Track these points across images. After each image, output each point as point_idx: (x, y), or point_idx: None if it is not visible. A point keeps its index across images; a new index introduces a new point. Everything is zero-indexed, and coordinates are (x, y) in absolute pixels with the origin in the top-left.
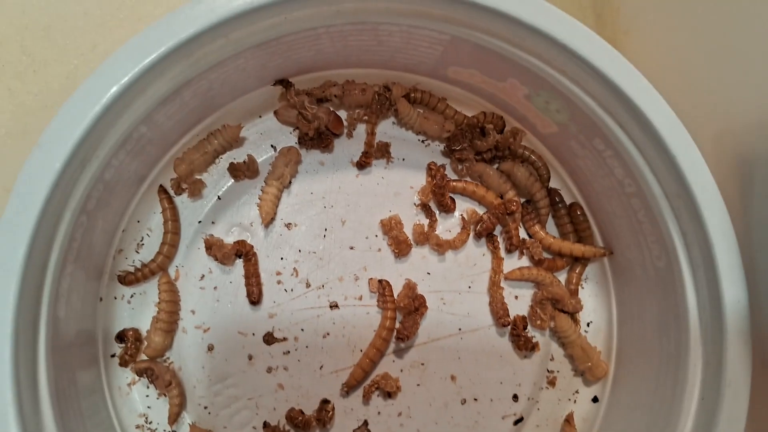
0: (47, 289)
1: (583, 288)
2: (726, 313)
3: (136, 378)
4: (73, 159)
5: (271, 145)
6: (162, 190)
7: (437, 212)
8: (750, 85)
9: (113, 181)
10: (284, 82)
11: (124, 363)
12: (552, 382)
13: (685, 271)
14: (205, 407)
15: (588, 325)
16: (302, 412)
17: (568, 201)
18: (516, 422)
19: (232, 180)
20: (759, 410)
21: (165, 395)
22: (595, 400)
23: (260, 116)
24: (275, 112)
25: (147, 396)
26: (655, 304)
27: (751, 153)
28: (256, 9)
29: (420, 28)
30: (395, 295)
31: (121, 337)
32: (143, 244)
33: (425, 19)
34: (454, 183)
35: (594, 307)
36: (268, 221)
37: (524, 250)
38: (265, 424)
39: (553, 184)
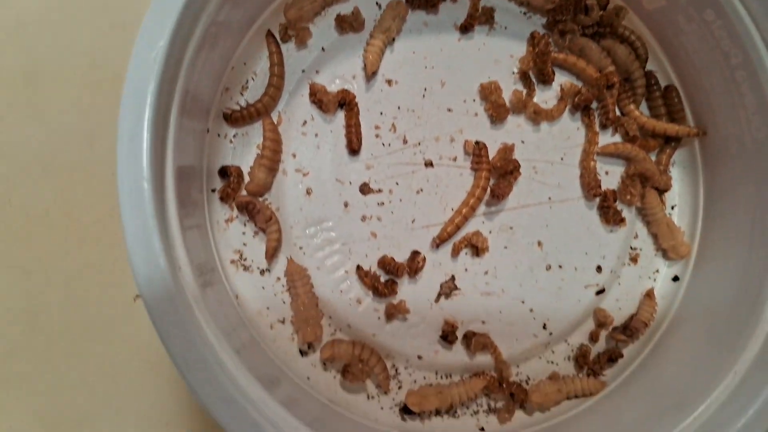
0: (174, 104)
1: (670, 171)
2: None
3: (234, 214)
4: None
5: (376, 3)
6: (270, 34)
7: (536, 82)
8: None
9: (238, 4)
10: None
11: (225, 197)
12: (634, 259)
13: None
14: (300, 247)
15: (672, 208)
16: (394, 260)
17: (663, 84)
18: (598, 293)
19: (337, 33)
20: None
21: (263, 232)
22: (675, 279)
23: None
24: None
25: (243, 233)
26: (751, 180)
27: None
28: None
29: None
30: (490, 158)
31: (224, 172)
32: (248, 87)
33: None
34: (556, 54)
35: (680, 191)
36: (373, 71)
37: (618, 128)
38: (359, 267)
39: (650, 66)
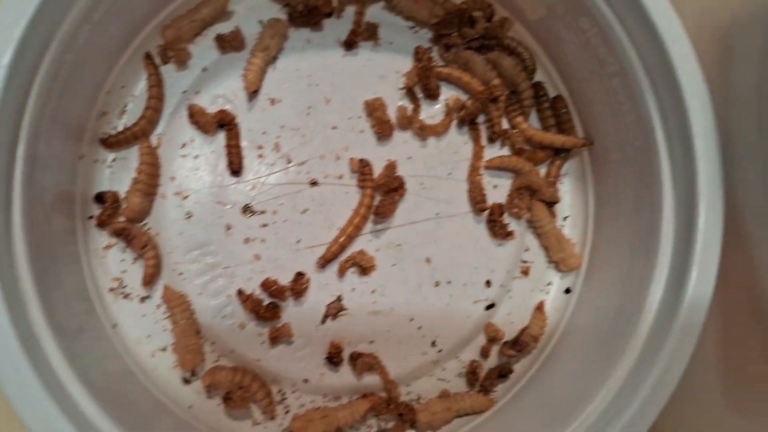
0: (24, 129)
1: (561, 183)
2: (699, 181)
3: (112, 241)
4: None
5: (258, 21)
6: (147, 56)
7: (422, 97)
8: None
9: (100, 28)
10: None
11: (101, 224)
12: (525, 272)
13: (661, 144)
14: (180, 273)
15: (565, 219)
16: (277, 282)
17: (552, 94)
18: (488, 307)
19: (218, 52)
20: (728, 276)
21: (141, 259)
22: (567, 291)
23: None
24: None
25: (122, 261)
26: (630, 187)
27: (730, 25)
28: None
29: None
30: (375, 175)
31: (99, 198)
32: (127, 110)
33: None
34: (440, 68)
35: (572, 202)
36: (253, 90)
37: (505, 141)
38: (240, 291)
39: (538, 77)
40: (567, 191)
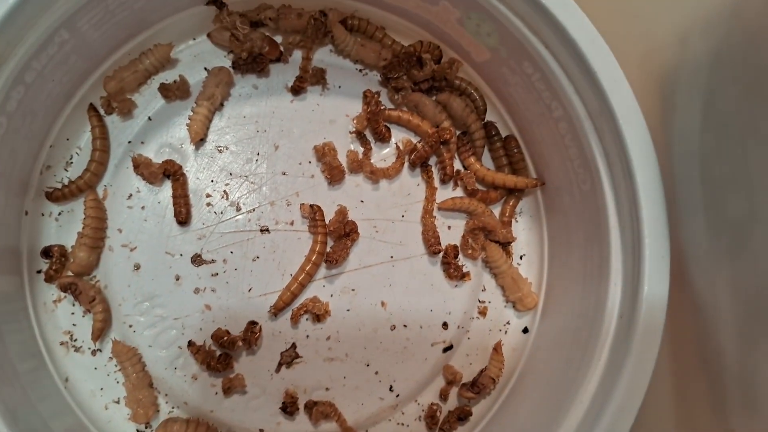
0: None
1: (517, 221)
2: (644, 229)
3: (62, 295)
4: None
5: (204, 68)
6: (91, 107)
7: (372, 141)
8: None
9: (36, 87)
10: (217, 2)
11: (49, 279)
12: (483, 312)
13: (608, 190)
14: (130, 326)
15: (521, 258)
16: (228, 332)
17: (503, 133)
18: (445, 350)
19: (164, 101)
20: (676, 325)
21: (90, 312)
22: (525, 331)
23: (194, 38)
24: (208, 34)
25: (72, 314)
26: (581, 228)
27: (673, 69)
28: None
29: None
30: (327, 221)
31: (46, 252)
32: (72, 163)
33: None
34: (390, 111)
35: (527, 240)
36: (197, 140)
37: (458, 181)
38: (190, 343)
39: (489, 116)
40: (522, 230)
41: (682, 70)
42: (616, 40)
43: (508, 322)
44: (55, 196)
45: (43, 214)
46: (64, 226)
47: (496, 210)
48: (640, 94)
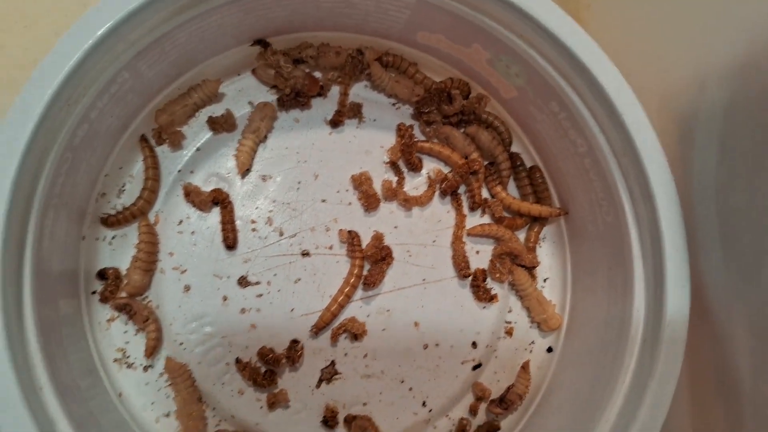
0: (32, 222)
1: (541, 247)
2: (666, 258)
3: (115, 314)
4: (61, 93)
5: (249, 102)
6: (143, 139)
7: (405, 171)
8: (689, 46)
9: (97, 123)
10: (262, 42)
11: (104, 299)
12: (509, 332)
13: (631, 222)
14: (181, 343)
15: (545, 281)
16: (272, 350)
17: (528, 164)
18: (474, 367)
19: (211, 133)
20: (695, 352)
21: (143, 331)
22: (549, 350)
23: (239, 74)
24: (253, 71)
25: (125, 332)
26: (604, 256)
27: (691, 111)
28: None
29: None
30: (363, 245)
31: (101, 274)
32: (125, 190)
33: None
34: (422, 143)
35: (551, 264)
36: (244, 171)
37: (486, 209)
38: (237, 360)
39: (514, 148)
40: (546, 255)
41: (700, 113)
42: (638, 81)
43: (533, 342)
44: (111, 221)
45: (97, 239)
46: (117, 250)
47: (522, 236)
48: (661, 133)
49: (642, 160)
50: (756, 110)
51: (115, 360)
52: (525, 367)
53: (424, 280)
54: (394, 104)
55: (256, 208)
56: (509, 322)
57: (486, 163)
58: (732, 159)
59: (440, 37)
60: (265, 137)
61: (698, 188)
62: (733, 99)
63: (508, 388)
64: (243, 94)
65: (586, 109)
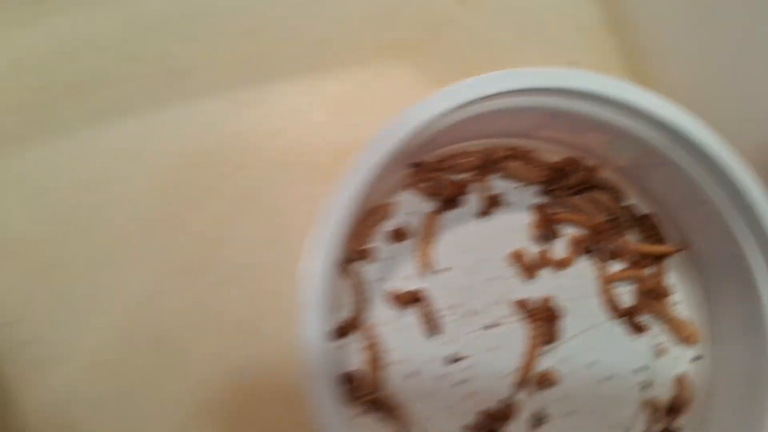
0: None
1: (669, 276)
2: None
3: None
4: None
5: (405, 213)
6: (342, 264)
7: (549, 240)
8: None
9: None
10: (417, 165)
11: (354, 399)
12: (662, 352)
13: (751, 261)
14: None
15: (675, 304)
16: (491, 411)
17: (642, 213)
18: (643, 387)
19: (392, 244)
20: None
21: (393, 418)
22: (698, 358)
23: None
24: (410, 186)
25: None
26: (730, 287)
27: None
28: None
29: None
30: (534, 308)
31: (348, 378)
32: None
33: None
34: (557, 215)
35: (680, 287)
36: (429, 270)
37: (618, 257)
38: (465, 427)
39: (629, 201)
40: (674, 283)
41: None
42: (735, 135)
43: (680, 357)
44: (342, 332)
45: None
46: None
47: (652, 271)
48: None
49: (759, 215)
50: None
51: None
52: (682, 379)
53: (590, 326)
54: (515, 187)
55: (447, 295)
56: (660, 344)
57: (609, 218)
58: None
59: (562, 132)
60: (435, 238)
61: None
62: None
63: (673, 399)
64: (406, 206)
65: (697, 173)
